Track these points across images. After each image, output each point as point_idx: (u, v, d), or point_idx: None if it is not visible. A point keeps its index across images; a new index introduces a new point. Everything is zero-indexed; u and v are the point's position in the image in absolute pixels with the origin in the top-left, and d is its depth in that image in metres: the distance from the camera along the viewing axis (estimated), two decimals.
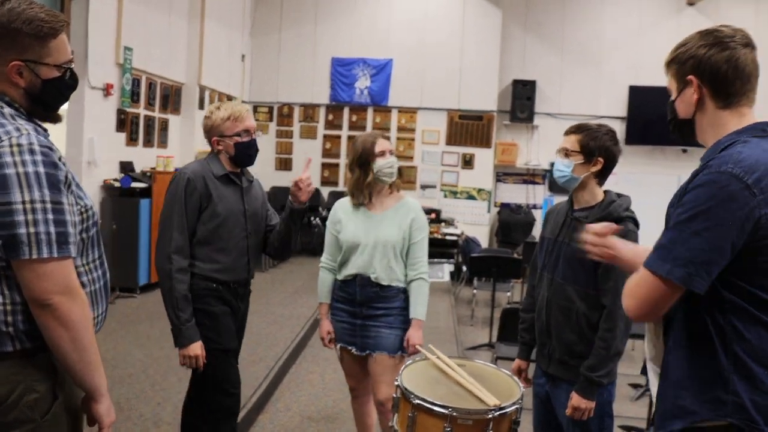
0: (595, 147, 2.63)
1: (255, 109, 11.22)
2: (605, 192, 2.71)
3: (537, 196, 10.91)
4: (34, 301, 1.61)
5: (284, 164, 11.15)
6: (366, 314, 3.25)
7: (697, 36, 1.78)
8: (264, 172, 10.90)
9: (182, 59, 9.09)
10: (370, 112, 10.97)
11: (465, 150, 10.76)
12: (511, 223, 10.58)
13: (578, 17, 10.71)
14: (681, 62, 1.78)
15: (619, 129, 10.16)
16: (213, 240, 2.94)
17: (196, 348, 2.85)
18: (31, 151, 1.61)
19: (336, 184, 11.16)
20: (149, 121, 8.36)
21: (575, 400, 2.56)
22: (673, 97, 1.84)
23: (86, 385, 1.74)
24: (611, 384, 2.64)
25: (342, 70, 10.90)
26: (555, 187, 10.76)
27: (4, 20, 1.67)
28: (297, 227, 3.11)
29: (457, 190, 10.72)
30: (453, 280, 9.51)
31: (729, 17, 10.25)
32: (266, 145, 11.09)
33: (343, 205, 3.41)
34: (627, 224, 2.56)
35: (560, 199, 10.52)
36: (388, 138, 3.36)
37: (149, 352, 5.33)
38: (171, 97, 8.87)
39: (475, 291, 8.08)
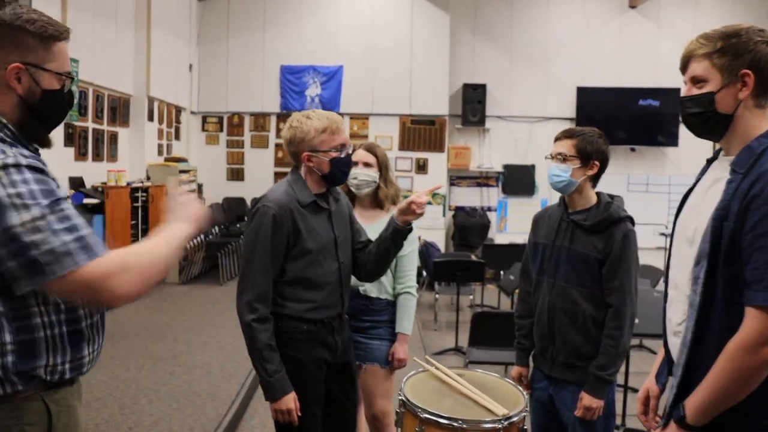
0: (592, 151, 2.67)
1: (204, 119, 11.02)
2: (597, 194, 2.75)
3: (491, 198, 10.99)
4: (101, 305, 1.56)
5: (236, 174, 10.95)
6: (354, 326, 3.19)
7: (747, 30, 1.69)
8: (216, 183, 10.71)
9: (129, 70, 8.86)
10: None
11: (418, 155, 10.78)
12: (467, 226, 10.63)
13: (525, 20, 10.85)
14: (737, 54, 1.68)
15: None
16: (304, 278, 2.60)
17: (289, 401, 2.49)
18: (18, 170, 1.48)
19: None
20: (98, 134, 8.11)
21: (586, 400, 2.59)
22: (712, 89, 1.73)
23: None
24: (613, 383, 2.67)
25: (292, 78, 10.79)
26: (508, 189, 10.87)
27: (7, 18, 1.57)
28: (398, 248, 2.70)
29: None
30: None
31: (669, 19, 10.60)
32: (217, 155, 10.92)
33: None
34: (626, 224, 2.62)
35: (515, 200, 10.78)
36: (373, 152, 3.25)
37: (114, 374, 5.14)
38: (119, 110, 8.63)
39: (437, 295, 8.07)
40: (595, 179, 2.73)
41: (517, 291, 6.49)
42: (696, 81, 1.76)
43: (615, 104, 10.50)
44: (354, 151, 3.22)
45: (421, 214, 2.55)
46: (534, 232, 2.93)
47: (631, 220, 2.67)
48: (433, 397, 2.40)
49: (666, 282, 1.97)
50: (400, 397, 2.42)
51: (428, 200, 2.71)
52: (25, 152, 1.55)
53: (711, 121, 1.75)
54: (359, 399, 3.08)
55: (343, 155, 2.61)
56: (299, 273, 2.58)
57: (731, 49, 1.68)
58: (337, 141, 2.59)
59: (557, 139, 2.77)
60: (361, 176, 3.18)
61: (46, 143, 1.74)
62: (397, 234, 2.61)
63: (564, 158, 2.69)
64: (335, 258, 2.66)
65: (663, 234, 9.10)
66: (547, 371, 2.78)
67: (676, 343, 1.83)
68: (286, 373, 2.50)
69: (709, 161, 1.88)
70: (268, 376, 2.48)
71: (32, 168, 1.50)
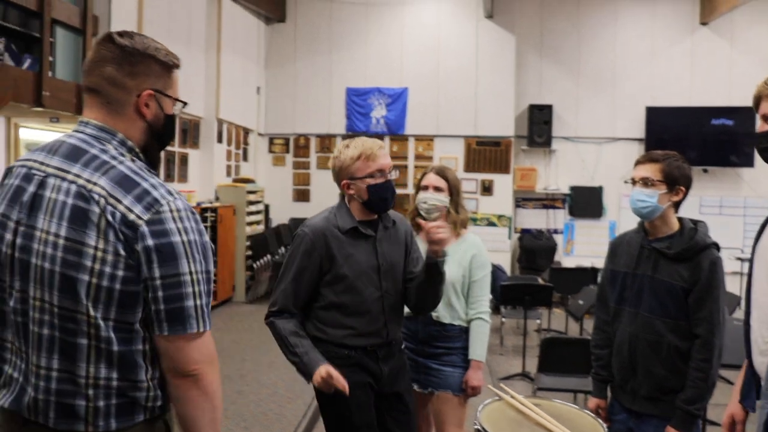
0: (679, 176, 2.57)
1: (271, 141, 11.20)
2: (679, 219, 2.64)
3: (557, 220, 10.81)
4: (180, 371, 1.55)
5: (302, 195, 11.07)
6: (428, 352, 3.17)
7: None
8: (283, 204, 10.87)
9: (200, 93, 9.08)
10: (387, 141, 10.92)
11: (484, 176, 10.69)
12: (533, 249, 10.46)
13: (592, 41, 10.69)
14: None
15: (638, 150, 10.10)
16: (340, 304, 2.61)
17: (321, 372, 2.42)
18: (188, 218, 1.55)
19: None
20: (169, 156, 8.32)
21: None
22: None
23: None
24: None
25: (357, 100, 10.88)
26: (575, 212, 10.66)
27: (140, 47, 1.63)
28: (436, 281, 2.63)
29: (476, 217, 10.62)
30: None
31: (744, 37, 10.27)
32: (284, 177, 11.07)
33: None
34: (713, 251, 2.51)
35: (582, 223, 10.59)
36: (444, 176, 3.18)
37: None
38: (190, 132, 8.84)
39: (503, 319, 7.95)
40: (677, 205, 2.63)
41: (586, 316, 6.38)
42: (767, 119, 1.88)
43: (686, 124, 10.20)
44: (425, 175, 3.21)
45: (440, 239, 2.49)
46: (612, 260, 2.82)
47: (717, 246, 2.56)
48: (511, 428, 2.35)
49: (747, 304, 2.02)
50: (476, 427, 2.37)
51: (438, 223, 2.55)
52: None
53: None
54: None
55: (380, 181, 2.59)
56: (334, 298, 2.60)
57: None
58: (373, 167, 2.58)
59: (639, 162, 2.67)
60: (431, 200, 3.13)
61: (157, 168, 1.80)
62: (428, 266, 2.58)
63: (649, 183, 2.59)
64: (378, 287, 2.64)
65: (739, 258, 8.77)
66: (628, 404, 2.67)
67: (765, 362, 1.88)
68: (317, 352, 2.50)
69: None
70: (299, 359, 2.48)
71: (197, 219, 1.59)
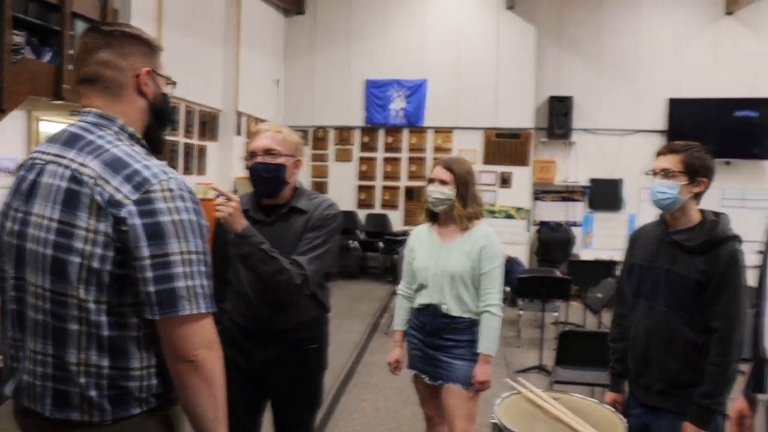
0: (700, 167, 2.52)
1: (300, 136, 11.18)
2: (701, 211, 2.60)
3: (576, 213, 10.73)
4: (180, 357, 1.52)
5: (319, 187, 11.07)
6: (437, 344, 3.16)
7: None
8: None
9: (218, 86, 9.11)
10: (405, 133, 10.91)
11: (502, 168, 10.63)
12: (550, 241, 10.41)
13: (613, 31, 10.57)
14: None
15: (660, 142, 9.98)
16: (230, 280, 2.71)
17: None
18: (182, 197, 1.53)
19: (372, 206, 11.10)
20: (188, 148, 8.36)
21: (690, 430, 2.43)
22: None
23: None
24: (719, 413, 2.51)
25: (376, 92, 10.87)
26: (594, 204, 10.58)
27: (125, 30, 1.67)
28: (248, 262, 2.51)
29: (495, 210, 10.58)
30: None
31: None
32: (302, 168, 11.00)
33: (419, 232, 3.33)
34: (734, 243, 2.46)
35: (601, 215, 10.52)
36: (451, 169, 3.14)
37: None
38: (208, 124, 8.88)
39: (520, 312, 7.92)
40: (698, 197, 2.58)
41: (604, 309, 6.33)
42: None
43: (709, 116, 10.06)
44: (434, 167, 3.22)
45: (226, 216, 2.41)
46: (631, 252, 2.79)
47: (738, 239, 2.50)
48: (528, 422, 2.33)
49: (759, 296, 2.04)
50: (493, 420, 2.36)
51: (220, 200, 2.45)
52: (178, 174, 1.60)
53: None
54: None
55: (250, 163, 2.60)
56: (228, 275, 2.70)
57: None
58: (249, 149, 2.62)
59: (660, 153, 2.62)
60: (435, 194, 3.13)
61: (162, 150, 1.82)
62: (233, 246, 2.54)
63: (670, 174, 2.55)
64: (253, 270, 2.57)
65: (761, 252, 8.65)
66: (643, 398, 2.64)
67: None
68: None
69: None
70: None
71: (193, 199, 1.57)
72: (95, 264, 1.48)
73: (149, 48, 1.71)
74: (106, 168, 1.51)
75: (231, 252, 2.63)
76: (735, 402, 2.19)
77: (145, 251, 1.47)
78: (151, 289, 1.47)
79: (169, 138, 7.80)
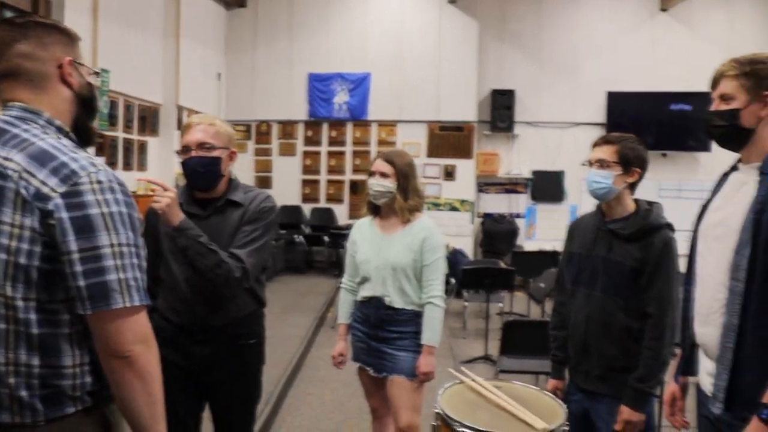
0: (633, 157, 2.61)
1: (232, 127, 11.03)
2: (635, 201, 2.68)
3: (520, 205, 10.90)
4: (113, 352, 1.48)
5: (264, 182, 10.96)
6: (381, 336, 3.17)
7: None
8: None
9: (159, 80, 8.93)
10: (349, 126, 10.89)
11: (446, 161, 10.72)
12: (494, 233, 10.54)
13: (554, 26, 10.76)
14: (761, 78, 1.95)
15: (599, 135, 10.12)
16: (163, 277, 2.64)
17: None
18: (112, 189, 1.49)
19: (317, 200, 11.04)
20: (128, 143, 8.18)
21: (626, 413, 2.52)
22: (737, 106, 1.99)
23: None
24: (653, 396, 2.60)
25: (319, 86, 10.81)
26: (537, 196, 10.76)
27: (47, 21, 1.62)
28: (186, 256, 2.48)
29: (440, 202, 10.66)
30: None
31: (702, 22, 10.43)
32: (245, 163, 10.95)
33: (361, 225, 3.34)
34: (666, 232, 2.56)
35: (543, 207, 10.68)
36: (391, 162, 3.15)
37: None
38: (148, 119, 8.70)
39: (466, 303, 8.00)
40: (633, 187, 2.67)
41: (547, 298, 6.45)
42: (724, 98, 2.03)
43: (646, 109, 10.34)
44: (374, 160, 3.22)
45: (163, 208, 2.40)
46: (569, 242, 2.86)
47: (671, 227, 2.60)
48: (470, 410, 2.35)
49: (688, 282, 2.18)
50: (436, 410, 2.37)
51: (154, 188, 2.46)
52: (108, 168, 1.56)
53: (732, 133, 2.02)
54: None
55: (185, 157, 2.54)
56: (160, 271, 2.62)
57: (757, 74, 1.95)
58: (182, 143, 2.56)
59: (596, 145, 2.71)
60: (375, 187, 3.14)
61: (93, 141, 1.79)
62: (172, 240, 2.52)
63: (605, 164, 2.62)
64: (189, 265, 2.53)
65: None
66: (582, 384, 2.72)
67: (709, 332, 2.01)
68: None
69: (726, 174, 2.15)
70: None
71: (124, 191, 1.53)
72: (22, 260, 1.44)
73: (68, 37, 1.66)
74: (31, 161, 1.46)
75: (163, 247, 2.59)
76: (669, 385, 2.29)
77: (74, 245, 1.43)
78: (81, 283, 1.43)
79: (108, 133, 7.63)
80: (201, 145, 2.54)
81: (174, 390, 2.61)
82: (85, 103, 1.68)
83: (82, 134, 1.68)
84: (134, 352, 1.48)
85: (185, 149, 2.55)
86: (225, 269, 2.46)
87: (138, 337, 1.50)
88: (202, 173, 2.55)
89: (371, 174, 3.18)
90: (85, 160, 1.50)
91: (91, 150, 7.13)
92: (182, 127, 2.56)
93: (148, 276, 2.57)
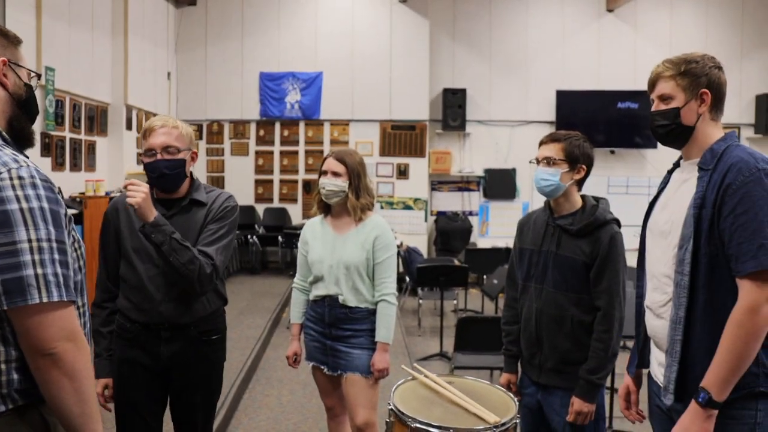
0: (579, 155, 2.67)
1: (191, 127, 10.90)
2: (582, 197, 2.74)
3: (472, 202, 10.99)
4: (37, 350, 1.45)
5: (216, 182, 10.85)
6: (335, 335, 3.18)
7: (704, 57, 2.06)
8: None
9: (107, 78, 8.75)
10: (302, 126, 10.84)
11: (399, 160, 10.75)
12: (449, 231, 10.61)
13: (504, 25, 10.88)
14: (696, 76, 2.03)
15: (548, 132, 10.34)
16: (124, 277, 2.63)
17: (99, 384, 2.61)
18: (34, 185, 1.47)
19: (270, 200, 10.97)
20: (75, 144, 8.00)
21: (577, 405, 2.58)
22: (677, 105, 2.06)
23: None
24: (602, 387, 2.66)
25: (271, 85, 10.74)
26: (489, 194, 10.87)
27: None
28: (162, 254, 2.48)
29: (393, 201, 10.70)
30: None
31: (646, 22, 10.68)
32: (197, 163, 10.72)
33: (312, 225, 3.34)
34: (613, 226, 2.62)
35: (496, 204, 10.79)
36: (343, 161, 3.16)
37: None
38: (97, 118, 8.53)
39: (420, 301, 8.05)
40: (580, 183, 2.73)
41: (500, 295, 6.53)
42: (663, 98, 2.09)
43: (594, 107, 10.54)
44: (325, 159, 3.22)
45: (136, 204, 2.40)
46: (519, 238, 2.91)
47: (617, 222, 2.67)
48: (423, 406, 2.38)
49: (640, 277, 2.26)
50: (389, 407, 2.39)
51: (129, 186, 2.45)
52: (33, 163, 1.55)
53: (676, 132, 2.08)
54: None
55: (148, 160, 2.57)
56: (122, 271, 2.64)
57: (692, 73, 2.03)
58: (146, 146, 2.58)
59: (543, 143, 2.76)
60: (328, 186, 3.15)
61: (32, 142, 1.75)
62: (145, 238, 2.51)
63: (551, 162, 2.68)
64: (155, 263, 2.57)
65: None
66: (535, 377, 2.77)
67: (659, 325, 2.10)
68: (108, 362, 2.63)
69: (670, 171, 2.23)
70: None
71: (47, 186, 1.51)
72: None
73: (5, 39, 1.65)
74: None
75: (126, 245, 2.60)
76: (624, 379, 2.36)
77: None
78: None
79: (54, 133, 7.45)
80: (166, 148, 2.56)
81: (141, 392, 2.63)
82: (22, 104, 1.67)
83: (19, 135, 1.68)
84: (59, 349, 1.46)
85: (150, 152, 2.56)
86: (197, 265, 2.50)
87: (63, 334, 1.47)
88: (169, 175, 2.58)
89: (323, 173, 3.18)
90: (8, 157, 1.49)
91: (37, 150, 6.99)
92: (144, 130, 2.57)
93: (109, 276, 2.59)
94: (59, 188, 1.59)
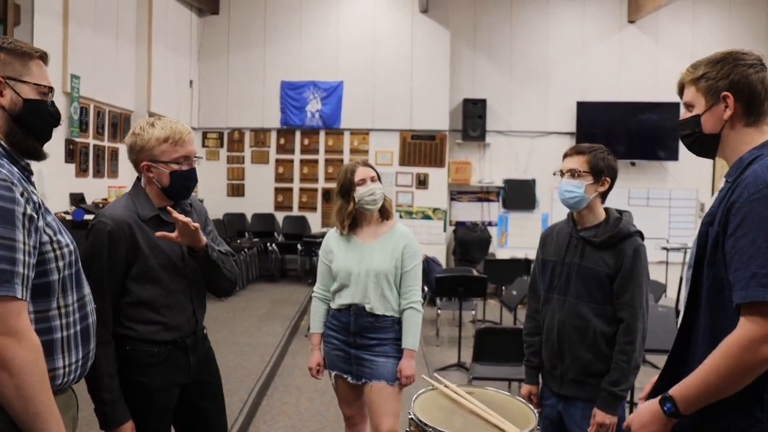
0: (604, 167, 2.67)
1: (204, 135, 11.03)
2: (606, 209, 2.74)
3: (492, 213, 10.97)
4: None
5: (236, 190, 10.93)
6: (360, 344, 3.18)
7: (728, 56, 1.83)
8: (217, 199, 10.69)
9: (130, 86, 8.87)
10: (322, 135, 10.89)
11: (419, 170, 10.77)
12: (467, 241, 10.60)
13: (525, 36, 10.88)
14: (715, 79, 1.82)
15: (569, 144, 10.31)
16: (150, 298, 2.40)
17: (127, 430, 2.33)
18: None
19: (290, 209, 11.02)
20: (99, 150, 8.10)
21: (599, 416, 2.58)
22: (698, 112, 1.88)
23: None
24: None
25: (292, 94, 10.81)
26: (509, 204, 10.84)
27: None
28: (210, 272, 2.51)
29: (412, 211, 10.70)
30: None
31: (667, 34, 10.62)
32: (218, 171, 10.91)
33: (334, 234, 3.33)
34: (636, 239, 2.62)
35: (515, 215, 10.76)
36: (369, 165, 3.25)
37: None
38: (120, 126, 8.63)
39: (439, 311, 8.04)
40: (604, 196, 2.73)
41: (520, 306, 6.51)
42: (687, 106, 1.92)
43: (615, 118, 10.49)
44: (352, 171, 3.20)
45: (191, 234, 2.35)
46: (542, 249, 2.91)
47: (640, 235, 2.67)
48: (443, 416, 2.37)
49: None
50: (409, 416, 2.39)
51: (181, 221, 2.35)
52: (5, 167, 1.59)
53: (699, 141, 1.89)
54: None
55: (185, 168, 2.43)
56: (143, 293, 2.40)
57: (713, 75, 1.83)
58: (180, 153, 2.41)
59: (567, 155, 2.76)
60: (378, 190, 3.17)
61: (39, 155, 1.78)
62: (200, 261, 2.48)
63: (576, 174, 2.68)
64: (183, 274, 2.48)
65: (665, 248, 9.07)
66: (557, 389, 2.76)
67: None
68: (124, 401, 2.34)
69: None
70: (104, 406, 2.29)
71: (1, 185, 1.54)
72: None
73: (11, 54, 1.69)
74: None
75: (150, 263, 2.41)
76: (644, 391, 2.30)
77: None
78: None
79: (78, 140, 7.55)
80: (192, 157, 2.51)
81: (168, 415, 2.53)
82: (18, 120, 1.70)
83: (18, 149, 1.72)
84: (7, 340, 1.48)
85: (186, 159, 2.45)
86: (236, 269, 2.59)
87: (3, 329, 1.49)
88: (192, 185, 2.52)
89: (361, 182, 3.16)
90: None
91: (61, 156, 7.08)
92: (174, 137, 2.41)
93: (113, 306, 2.37)
94: (26, 191, 1.60)
